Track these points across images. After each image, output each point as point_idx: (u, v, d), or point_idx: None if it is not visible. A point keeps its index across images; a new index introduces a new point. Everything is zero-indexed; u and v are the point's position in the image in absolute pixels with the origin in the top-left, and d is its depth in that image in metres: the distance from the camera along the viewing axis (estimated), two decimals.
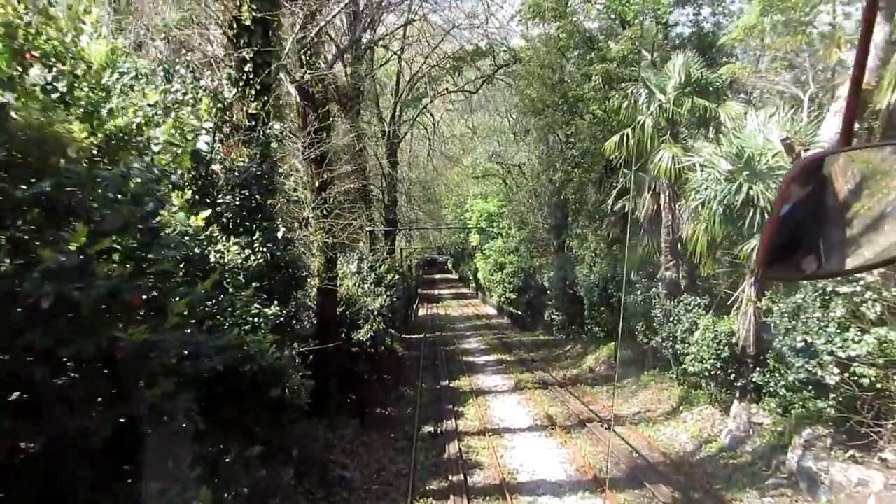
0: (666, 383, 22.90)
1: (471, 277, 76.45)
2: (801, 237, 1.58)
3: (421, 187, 49.48)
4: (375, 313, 21.34)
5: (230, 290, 7.35)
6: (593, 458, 16.51)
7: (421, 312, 59.20)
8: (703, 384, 18.55)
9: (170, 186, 4.84)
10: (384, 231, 38.13)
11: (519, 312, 47.94)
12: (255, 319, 7.39)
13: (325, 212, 17.33)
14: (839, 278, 11.50)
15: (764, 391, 16.39)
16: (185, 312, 4.74)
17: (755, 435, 16.02)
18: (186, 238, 6.20)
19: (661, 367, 23.90)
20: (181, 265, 6.30)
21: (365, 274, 22.89)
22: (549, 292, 39.20)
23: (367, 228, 26.17)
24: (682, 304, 20.33)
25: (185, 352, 5.07)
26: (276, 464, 12.84)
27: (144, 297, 4.50)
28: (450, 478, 15.38)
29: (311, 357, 17.49)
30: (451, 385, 27.24)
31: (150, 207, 4.36)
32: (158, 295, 4.57)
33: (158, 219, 4.81)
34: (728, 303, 17.30)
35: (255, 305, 7.47)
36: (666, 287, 21.46)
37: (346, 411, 19.45)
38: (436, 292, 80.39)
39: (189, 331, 5.65)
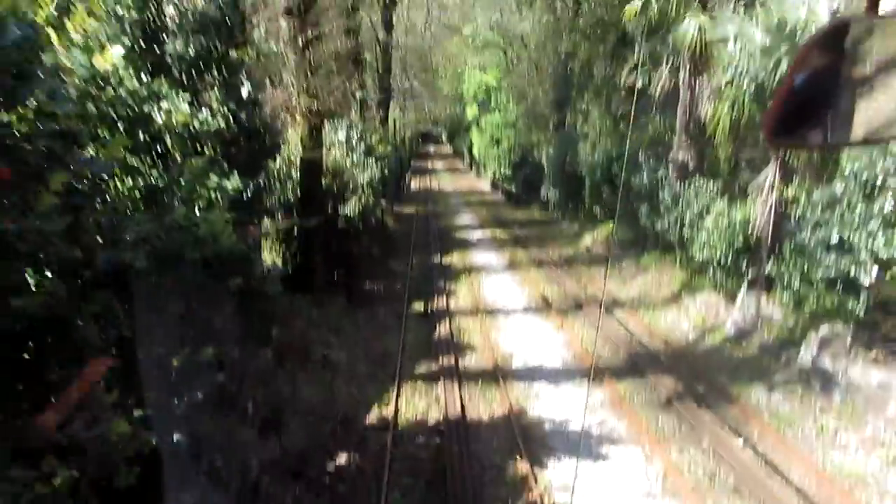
0: (667, 267, 21.99)
1: (465, 151, 74.42)
2: (811, 107, 1.49)
3: (417, 56, 46.87)
4: (365, 186, 20.00)
5: (178, 158, 5.98)
6: (591, 343, 15.75)
7: (414, 185, 57.69)
8: (710, 271, 17.51)
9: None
10: (378, 100, 36.30)
11: (514, 189, 46.58)
12: (212, 194, 6.06)
13: (309, 73, 15.59)
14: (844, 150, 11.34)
15: (776, 283, 15.47)
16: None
17: (763, 328, 15.18)
18: (127, 94, 4.79)
19: (662, 250, 22.96)
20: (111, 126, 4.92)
21: (354, 144, 21.32)
22: (546, 169, 37.64)
23: (358, 95, 24.31)
24: (693, 186, 19.06)
25: (99, 240, 3.79)
26: (250, 347, 11.93)
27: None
28: (440, 360, 14.59)
29: (294, 231, 16.44)
30: (444, 261, 26.34)
31: (13, 35, 2.91)
32: (40, 165, 3.21)
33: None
34: (747, 189, 15.98)
35: (213, 177, 6.12)
36: (676, 169, 20.07)
37: (333, 287, 18.51)
38: (429, 165, 78.62)
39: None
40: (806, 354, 12.86)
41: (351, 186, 19.13)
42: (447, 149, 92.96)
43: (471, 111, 59.45)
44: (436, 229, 34.68)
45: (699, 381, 13.29)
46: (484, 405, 12.32)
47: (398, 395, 12.48)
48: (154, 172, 5.68)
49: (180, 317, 5.61)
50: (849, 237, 11.02)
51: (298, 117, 16.01)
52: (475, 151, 62.61)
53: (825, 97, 1.45)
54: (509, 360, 14.83)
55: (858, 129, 1.35)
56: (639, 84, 21.50)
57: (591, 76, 30.05)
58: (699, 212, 18.17)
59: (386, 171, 26.84)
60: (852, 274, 11.00)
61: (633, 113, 23.66)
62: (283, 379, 11.91)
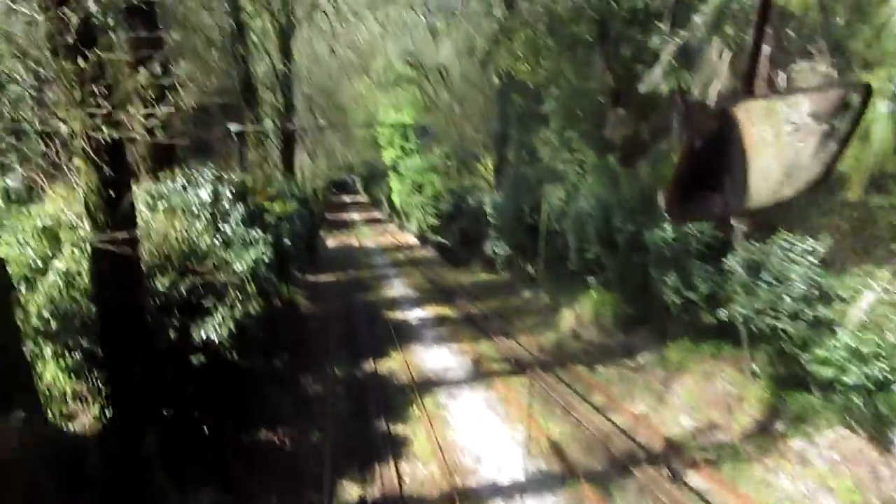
0: (710, 364, 14.54)
1: (384, 200, 66.59)
2: (707, 177, 1.56)
3: (325, 95, 38.96)
4: (247, 279, 11.58)
5: None
6: None
7: (331, 243, 48.92)
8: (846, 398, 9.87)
9: None
10: (279, 145, 28.66)
11: (448, 243, 38.64)
12: None
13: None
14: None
15: None
16: None
17: None
18: None
19: (693, 338, 15.45)
20: None
21: (227, 206, 13.00)
22: (492, 220, 29.70)
23: (232, 128, 16.04)
24: (777, 247, 11.65)
25: None
26: None
27: None
28: None
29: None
30: (379, 369, 17.98)
31: None
32: None
33: None
34: None
35: None
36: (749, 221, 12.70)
37: (193, 471, 9.98)
38: (346, 217, 70.50)
39: None
40: None
41: (219, 286, 10.70)
42: (363, 198, 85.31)
43: (388, 155, 51.75)
44: (362, 306, 26.28)
45: None
46: None
47: None
48: None
49: None
50: None
51: (80, 164, 7.69)
52: (395, 199, 54.73)
53: (719, 168, 1.49)
54: None
55: (751, 195, 1.32)
56: (660, 87, 14.15)
57: (557, 86, 22.10)
58: (803, 293, 10.74)
59: (287, 241, 18.36)
60: None
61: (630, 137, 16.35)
62: None
